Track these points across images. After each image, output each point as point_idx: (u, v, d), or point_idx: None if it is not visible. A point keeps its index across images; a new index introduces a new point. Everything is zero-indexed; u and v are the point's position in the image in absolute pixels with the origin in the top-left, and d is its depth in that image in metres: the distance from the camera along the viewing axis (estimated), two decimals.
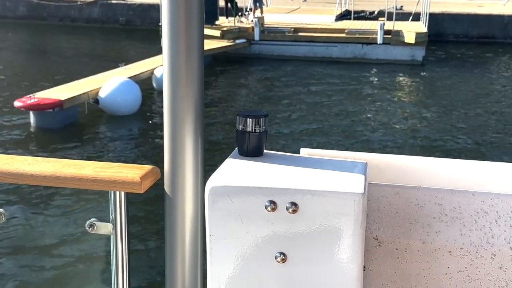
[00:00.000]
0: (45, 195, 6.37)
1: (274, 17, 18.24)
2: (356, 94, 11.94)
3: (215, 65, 14.29)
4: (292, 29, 16.28)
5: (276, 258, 1.09)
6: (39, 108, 8.76)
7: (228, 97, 12.02)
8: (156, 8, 21.61)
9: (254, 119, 1.17)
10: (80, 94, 9.27)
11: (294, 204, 1.05)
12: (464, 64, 15.92)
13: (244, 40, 15.84)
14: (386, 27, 15.21)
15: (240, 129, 1.19)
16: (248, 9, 18.00)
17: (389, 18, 16.51)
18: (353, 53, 15.44)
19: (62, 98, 8.91)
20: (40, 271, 4.96)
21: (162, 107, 1.21)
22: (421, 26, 16.50)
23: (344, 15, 20.09)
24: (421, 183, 1.25)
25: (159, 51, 1.23)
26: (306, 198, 1.05)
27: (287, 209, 1.06)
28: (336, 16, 18.86)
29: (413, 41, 14.75)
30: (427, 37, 15.26)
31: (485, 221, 1.14)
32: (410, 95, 12.37)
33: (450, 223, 1.15)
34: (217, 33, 15.47)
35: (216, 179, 1.09)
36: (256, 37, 15.82)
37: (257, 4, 17.86)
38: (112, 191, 1.24)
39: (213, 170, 1.14)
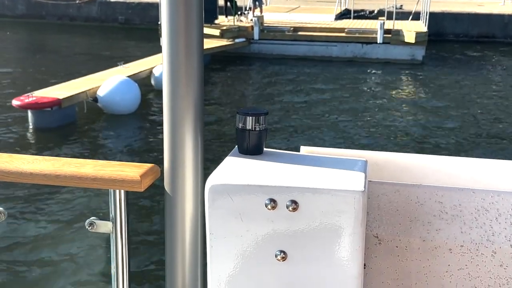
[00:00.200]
0: (45, 194, 6.34)
1: (273, 16, 18.20)
2: (355, 94, 11.90)
3: (215, 64, 14.26)
4: (292, 28, 16.24)
5: (276, 256, 1.09)
6: (37, 107, 8.71)
7: (228, 96, 11.98)
8: (155, 6, 21.57)
9: (254, 117, 1.17)
10: (79, 93, 9.22)
11: (294, 202, 1.05)
12: (464, 63, 15.89)
13: (243, 39, 15.79)
14: (386, 26, 15.17)
15: (240, 127, 1.18)
16: (247, 8, 17.95)
17: (389, 17, 16.48)
18: (353, 52, 15.40)
19: (61, 97, 8.86)
20: (40, 270, 4.94)
21: (161, 105, 1.21)
22: (421, 26, 16.47)
23: (344, 14, 20.07)
24: (421, 180, 1.25)
25: (158, 50, 1.21)
26: (306, 196, 1.05)
27: (287, 207, 1.05)
28: (336, 15, 18.83)
29: (413, 41, 14.72)
30: (427, 37, 15.23)
31: (485, 218, 1.13)
32: (410, 95, 12.34)
33: (451, 221, 1.15)
34: (216, 32, 15.42)
35: (216, 177, 1.09)
36: (256, 36, 15.78)
37: (257, 3, 17.82)
38: (112, 190, 1.24)
39: (213, 169, 1.13)
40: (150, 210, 6.04)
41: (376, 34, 15.17)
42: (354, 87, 12.52)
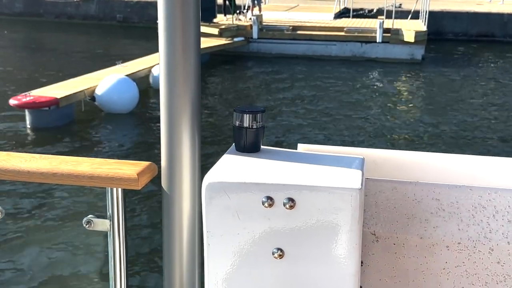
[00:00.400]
0: (42, 192, 6.33)
1: (272, 15, 18.16)
2: (355, 93, 11.87)
3: (213, 63, 14.21)
4: (291, 27, 16.19)
5: (273, 254, 1.08)
6: (34, 106, 8.66)
7: (226, 95, 11.93)
8: (154, 5, 21.49)
9: (251, 115, 1.16)
10: (76, 92, 9.17)
11: (291, 199, 1.05)
12: (463, 62, 15.87)
13: (242, 38, 15.73)
14: (385, 25, 15.13)
15: (237, 125, 1.18)
16: (246, 7, 17.89)
17: (388, 16, 16.44)
18: (352, 51, 15.36)
19: (58, 96, 8.81)
20: (38, 267, 4.94)
21: (159, 105, 1.20)
22: (421, 25, 16.43)
23: (343, 13, 20.04)
24: (418, 178, 1.24)
25: (156, 49, 1.19)
26: (303, 194, 1.04)
27: (284, 204, 1.05)
28: (335, 14, 18.80)
29: (412, 40, 14.68)
30: (426, 36, 15.19)
31: (482, 215, 1.13)
32: (409, 94, 12.31)
33: (448, 218, 1.14)
34: (215, 31, 15.37)
35: (213, 175, 1.09)
36: (255, 35, 15.72)
37: (255, 1, 17.77)
38: (109, 188, 1.24)
39: (210, 166, 1.12)
40: (147, 208, 6.04)
41: (375, 33, 15.13)
42: (353, 86, 12.48)
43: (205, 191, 1.08)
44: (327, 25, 16.82)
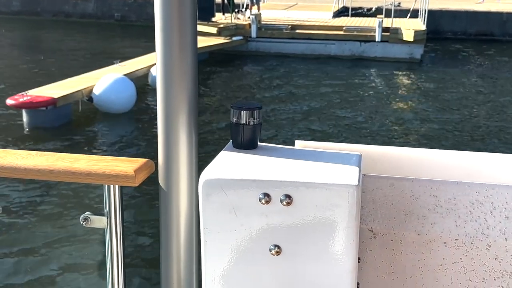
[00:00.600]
0: (39, 189, 6.32)
1: (271, 14, 18.09)
2: (354, 92, 11.83)
3: (212, 62, 14.16)
4: (290, 26, 16.12)
5: (270, 250, 1.08)
6: (31, 106, 8.59)
7: (224, 94, 11.88)
8: (152, 4, 20.95)
9: (248, 112, 1.16)
10: (74, 92, 9.10)
11: (288, 196, 1.05)
12: (462, 61, 15.84)
13: (241, 37, 15.67)
14: (384, 24, 15.08)
15: (234, 121, 1.18)
16: (245, 6, 17.83)
17: (387, 15, 16.38)
18: (351, 50, 15.31)
19: (56, 96, 8.74)
20: (35, 264, 4.93)
21: (156, 105, 1.20)
22: (420, 24, 16.39)
23: (342, 12, 20.00)
24: (416, 174, 1.24)
25: (154, 48, 1.18)
26: (300, 191, 1.04)
27: (281, 201, 1.05)
28: (334, 13, 18.75)
29: (411, 39, 14.63)
30: (425, 35, 15.15)
31: (480, 212, 1.14)
32: (409, 93, 12.28)
33: (445, 215, 1.15)
34: (213, 30, 15.30)
35: (210, 172, 1.09)
36: (253, 34, 15.65)
37: (254, 0, 17.70)
38: (106, 185, 1.24)
39: (207, 163, 1.12)
40: (144, 205, 6.03)
41: (375, 32, 15.08)
42: (352, 85, 12.44)
43: (202, 188, 1.07)
44: (326, 24, 16.77)
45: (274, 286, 1.11)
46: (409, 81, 13.51)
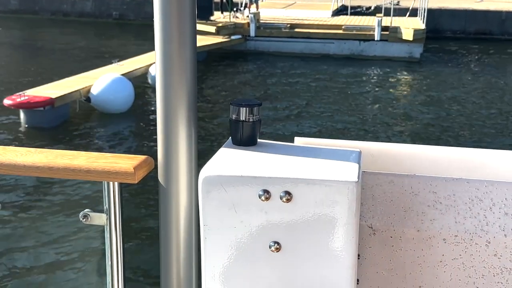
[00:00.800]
0: (39, 186, 6.33)
1: (269, 13, 18.04)
2: (353, 91, 11.80)
3: (211, 61, 14.13)
4: (288, 25, 16.07)
5: (270, 247, 1.08)
6: (29, 107, 8.54)
7: (223, 93, 11.84)
8: (150, 2, 21.27)
9: (247, 108, 1.16)
10: (72, 92, 9.06)
11: (288, 193, 1.05)
12: (461, 60, 15.81)
13: (239, 36, 15.61)
14: (383, 23, 15.03)
15: (233, 118, 1.18)
16: (243, 5, 17.77)
17: (386, 13, 16.33)
18: (351, 49, 15.26)
19: (53, 96, 8.70)
20: (33, 262, 4.94)
21: (155, 103, 1.20)
22: (419, 22, 16.35)
23: (341, 11, 19.95)
24: (415, 171, 1.25)
25: (153, 47, 1.18)
26: (300, 187, 1.04)
27: (281, 198, 1.05)
28: (333, 12, 18.70)
29: (411, 38, 14.59)
30: (425, 34, 15.11)
31: (479, 208, 1.14)
32: (408, 92, 12.26)
33: (445, 211, 1.15)
34: (212, 29, 15.25)
35: (210, 168, 1.09)
36: (252, 33, 15.60)
37: None
38: (105, 182, 1.25)
39: (207, 160, 1.12)
40: (144, 202, 6.03)
41: (374, 31, 15.04)
42: (351, 84, 12.41)
43: (202, 184, 1.07)
44: (325, 23, 16.71)
45: (274, 282, 1.10)
46: (408, 80, 13.48)
